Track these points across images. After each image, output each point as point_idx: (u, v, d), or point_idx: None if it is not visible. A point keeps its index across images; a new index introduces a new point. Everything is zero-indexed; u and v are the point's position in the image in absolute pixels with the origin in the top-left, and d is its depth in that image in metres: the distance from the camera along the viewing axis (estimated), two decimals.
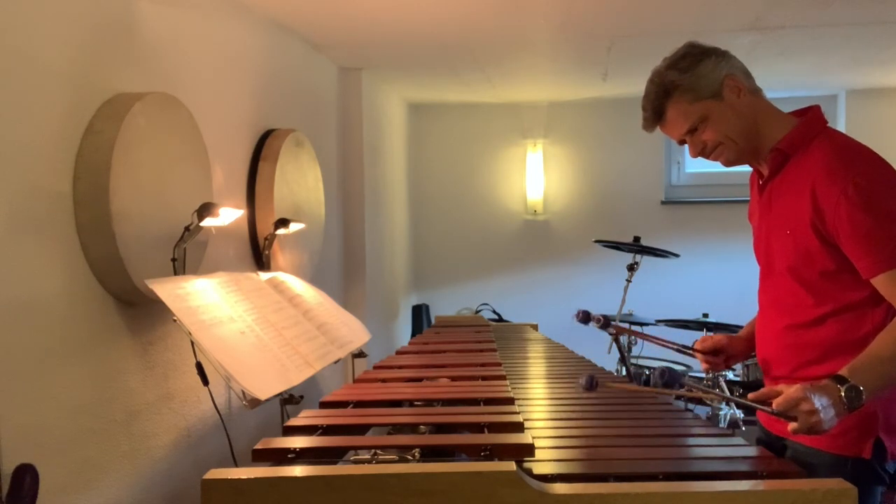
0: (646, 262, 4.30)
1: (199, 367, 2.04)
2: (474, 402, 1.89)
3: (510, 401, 1.88)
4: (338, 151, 4.04)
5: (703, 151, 1.73)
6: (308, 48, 3.57)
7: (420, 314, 5.52)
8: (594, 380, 1.81)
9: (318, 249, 3.38)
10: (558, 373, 2.56)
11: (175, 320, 1.82)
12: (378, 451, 1.41)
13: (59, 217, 1.79)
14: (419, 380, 2.22)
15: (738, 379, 3.98)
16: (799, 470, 1.42)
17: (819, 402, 1.39)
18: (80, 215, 1.84)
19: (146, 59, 2.16)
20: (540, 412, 1.90)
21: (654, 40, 3.54)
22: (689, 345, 1.96)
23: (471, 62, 4.08)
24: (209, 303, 1.95)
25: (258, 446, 1.48)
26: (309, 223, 3.16)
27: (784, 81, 4.79)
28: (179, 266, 2.07)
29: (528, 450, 1.44)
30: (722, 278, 5.10)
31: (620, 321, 4.21)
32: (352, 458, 1.42)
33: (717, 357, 1.91)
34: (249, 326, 2.01)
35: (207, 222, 2.08)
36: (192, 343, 1.95)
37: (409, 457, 1.41)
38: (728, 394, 3.73)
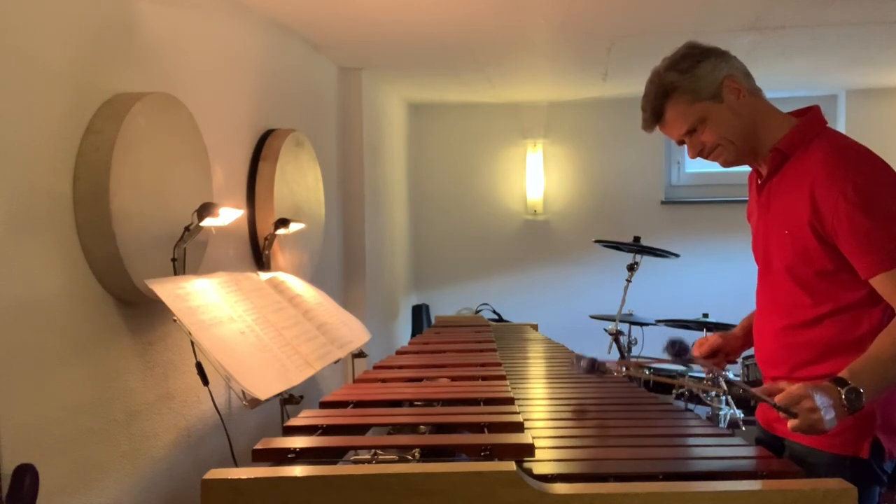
0: (646, 262, 4.29)
1: (199, 367, 2.04)
2: (474, 402, 1.89)
3: (510, 401, 1.88)
4: (338, 151, 4.04)
5: (701, 152, 1.73)
6: (308, 48, 3.57)
7: (420, 314, 5.52)
8: (596, 363, 1.80)
9: (318, 249, 3.38)
10: (558, 373, 2.56)
11: (175, 320, 1.82)
12: (378, 451, 1.41)
13: (59, 217, 1.79)
14: (419, 380, 2.22)
15: (738, 379, 3.98)
16: (798, 470, 1.42)
17: (820, 400, 1.39)
18: (80, 215, 1.84)
19: (146, 59, 2.16)
20: (540, 412, 1.90)
21: (654, 40, 3.54)
22: (688, 344, 1.97)
23: (471, 62, 4.08)
24: (209, 303, 1.95)
25: (258, 446, 1.48)
26: (309, 223, 3.16)
27: (784, 81, 4.79)
28: (179, 266, 2.07)
29: (528, 450, 1.44)
30: (722, 278, 5.10)
31: (620, 321, 4.21)
32: (352, 458, 1.42)
33: (716, 357, 1.92)
34: (249, 326, 2.01)
35: (207, 222, 2.08)
36: (192, 343, 1.95)
37: (409, 457, 1.41)
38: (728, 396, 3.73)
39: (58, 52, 1.79)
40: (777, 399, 1.43)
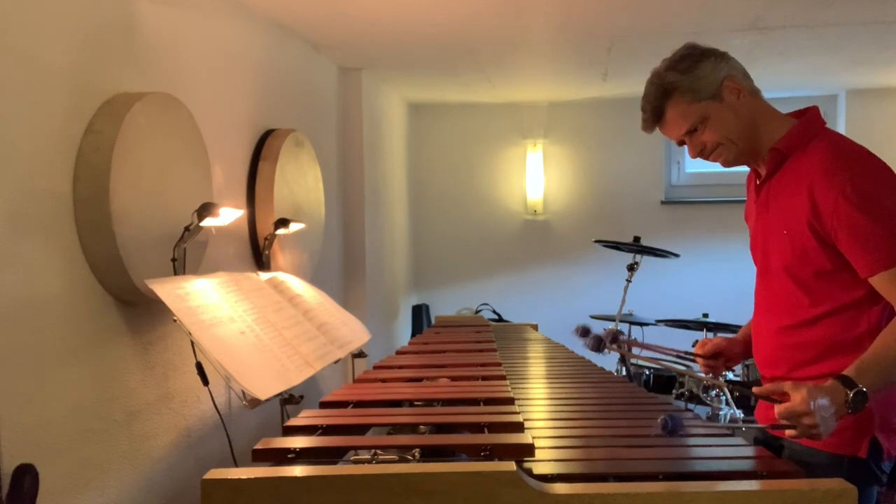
0: (646, 262, 4.29)
1: (199, 367, 2.04)
2: (474, 402, 1.89)
3: (510, 401, 1.88)
4: (338, 151, 4.04)
5: (702, 152, 1.73)
6: (308, 48, 3.57)
7: (420, 314, 5.52)
8: (601, 340, 1.78)
9: (318, 249, 3.38)
10: (558, 373, 2.56)
11: (175, 320, 1.82)
12: (378, 451, 1.41)
13: (59, 217, 1.79)
14: (419, 380, 2.22)
15: (738, 379, 3.98)
16: (798, 470, 1.42)
17: (821, 413, 1.39)
18: (80, 215, 1.84)
19: (146, 59, 2.16)
20: (540, 412, 1.90)
21: (654, 40, 3.54)
22: (688, 346, 1.98)
23: (471, 62, 4.08)
24: (209, 303, 1.95)
25: (258, 446, 1.48)
26: (309, 223, 3.16)
27: (784, 81, 4.79)
28: (179, 266, 2.08)
29: (528, 450, 1.44)
30: (722, 278, 5.10)
31: (620, 321, 4.21)
32: (352, 458, 1.42)
33: (717, 360, 1.93)
34: (249, 326, 2.01)
35: (207, 222, 2.08)
36: (192, 343, 1.95)
37: (409, 457, 1.41)
38: (729, 395, 3.73)
39: (58, 52, 1.80)
40: (777, 412, 1.43)
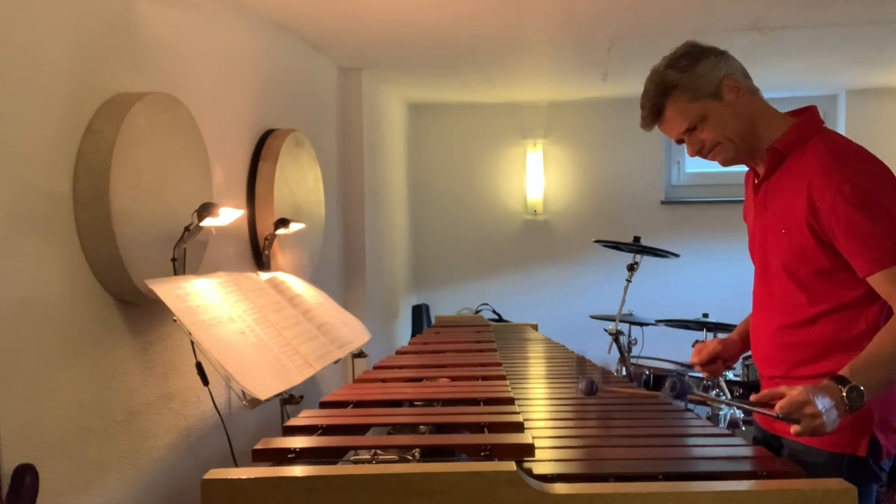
0: (646, 262, 4.30)
1: (199, 367, 2.04)
2: (474, 402, 1.89)
3: (510, 401, 1.88)
4: (338, 151, 4.04)
5: (700, 151, 1.74)
6: (308, 48, 3.57)
7: (420, 314, 5.52)
8: (594, 385, 1.81)
9: (318, 249, 3.38)
10: (558, 373, 2.56)
11: (175, 320, 1.82)
12: (378, 451, 1.41)
13: (59, 217, 1.79)
14: (419, 380, 2.22)
15: (737, 379, 3.99)
16: (799, 470, 1.42)
17: (822, 404, 1.39)
18: (80, 215, 1.84)
19: (146, 59, 2.16)
20: (540, 412, 1.90)
21: (654, 40, 3.54)
22: (688, 346, 1.98)
23: (471, 62, 4.08)
24: (209, 303, 1.95)
25: (258, 446, 1.48)
26: (309, 223, 3.16)
27: (784, 81, 4.79)
28: (179, 266, 2.07)
29: (528, 450, 1.44)
30: (722, 278, 5.10)
31: (620, 321, 4.21)
32: (352, 458, 1.42)
33: (715, 364, 1.93)
34: (249, 326, 2.01)
35: (207, 222, 2.08)
36: (192, 343, 1.95)
37: (409, 457, 1.41)
38: (728, 394, 3.74)
39: (58, 52, 1.79)
40: (778, 406, 1.43)
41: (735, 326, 2.01)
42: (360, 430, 1.68)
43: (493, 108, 5.55)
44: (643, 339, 4.54)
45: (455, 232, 5.71)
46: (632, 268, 4.17)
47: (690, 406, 3.87)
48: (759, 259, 1.78)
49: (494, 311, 5.50)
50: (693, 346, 2.03)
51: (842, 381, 1.43)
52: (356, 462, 1.39)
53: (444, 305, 5.68)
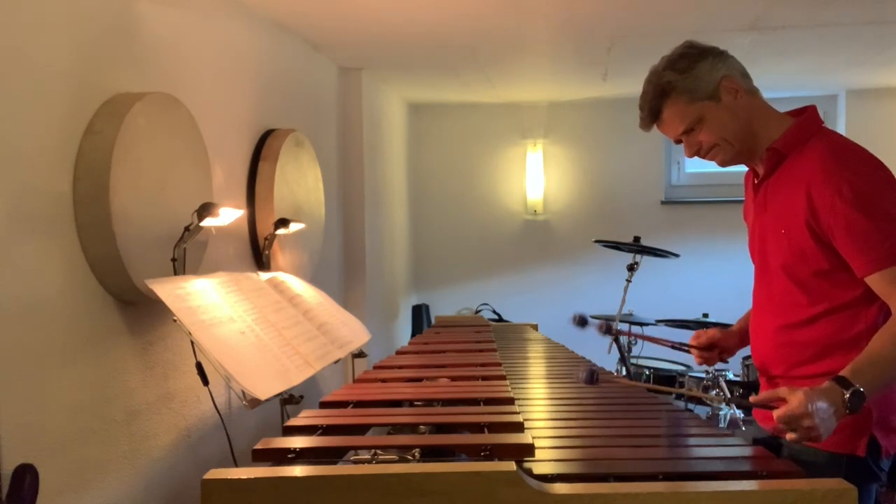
0: (646, 262, 4.29)
1: (199, 367, 2.04)
2: (474, 402, 1.89)
3: (510, 401, 1.88)
4: (338, 151, 4.04)
5: (698, 152, 1.74)
6: (308, 48, 3.57)
7: (420, 314, 5.52)
8: (595, 374, 1.81)
9: (318, 249, 3.38)
10: (558, 373, 2.56)
11: (175, 320, 1.82)
12: (378, 451, 1.41)
13: (59, 217, 1.79)
14: (419, 380, 2.22)
15: (738, 379, 3.99)
16: (799, 470, 1.42)
17: (820, 414, 1.38)
18: (80, 215, 1.84)
19: (146, 59, 2.16)
20: (540, 412, 1.90)
21: (654, 40, 3.54)
22: (687, 342, 1.99)
23: (471, 62, 4.08)
24: (209, 303, 1.95)
25: (258, 446, 1.48)
26: (309, 223, 3.16)
27: (784, 81, 4.79)
28: (179, 266, 2.08)
29: (528, 450, 1.44)
30: (722, 278, 5.10)
31: (620, 321, 4.21)
32: (352, 458, 1.42)
33: (712, 352, 1.93)
34: (249, 326, 2.01)
35: (207, 222, 2.08)
36: (192, 343, 1.95)
37: (409, 457, 1.41)
38: (728, 394, 3.73)
39: (58, 52, 1.79)
40: (776, 416, 1.43)
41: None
42: (360, 430, 1.68)
43: (493, 108, 5.55)
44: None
45: (455, 232, 5.71)
46: (632, 268, 4.17)
47: (690, 406, 3.87)
48: (758, 259, 1.78)
49: (494, 311, 5.50)
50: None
51: (844, 383, 1.43)
52: (356, 462, 1.39)
53: (444, 305, 5.68)
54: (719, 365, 2.26)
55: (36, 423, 1.69)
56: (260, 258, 2.84)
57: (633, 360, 4.39)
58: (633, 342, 4.41)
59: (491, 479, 1.22)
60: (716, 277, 5.18)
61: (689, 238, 5.30)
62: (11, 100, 1.64)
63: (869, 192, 1.54)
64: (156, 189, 2.05)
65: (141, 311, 2.07)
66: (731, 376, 3.94)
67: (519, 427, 1.62)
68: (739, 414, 3.56)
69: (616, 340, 4.18)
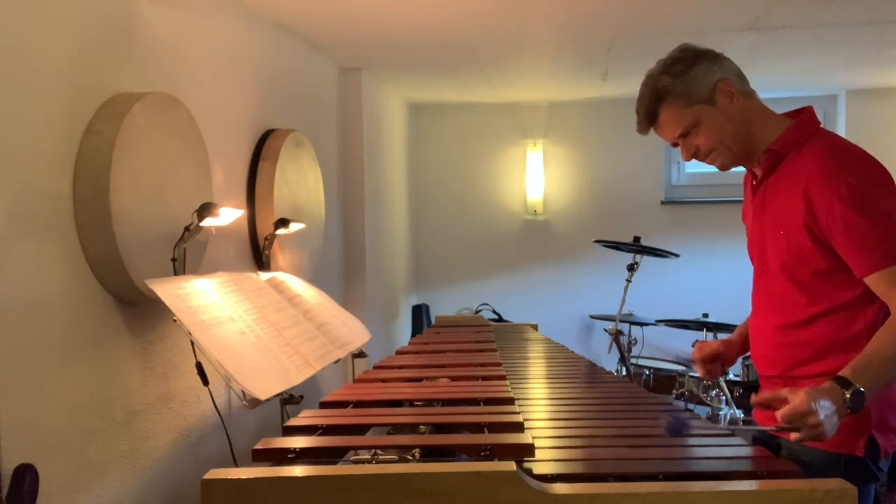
0: (646, 262, 4.30)
1: (199, 367, 2.04)
2: (474, 402, 1.89)
3: (510, 401, 1.88)
4: (338, 151, 4.04)
5: (696, 155, 1.74)
6: (308, 48, 3.57)
7: (420, 314, 5.52)
8: (684, 425, 1.55)
9: (318, 249, 3.38)
10: (558, 373, 2.56)
11: (175, 320, 1.82)
12: (378, 451, 1.41)
13: (59, 217, 1.79)
14: (419, 380, 2.22)
15: (737, 379, 3.99)
16: (798, 470, 1.42)
17: (823, 412, 1.39)
18: (80, 215, 1.84)
19: (146, 59, 2.16)
20: (540, 412, 1.90)
21: (654, 40, 3.54)
22: (688, 346, 1.99)
23: (471, 62, 4.08)
24: (209, 303, 1.95)
25: (258, 446, 1.48)
26: (309, 223, 3.16)
27: (784, 81, 4.79)
28: (179, 266, 2.08)
29: (528, 450, 1.44)
30: (722, 278, 5.10)
31: (620, 321, 4.22)
32: (352, 458, 1.42)
33: (715, 364, 1.93)
34: (249, 326, 2.01)
35: (207, 222, 2.08)
36: (192, 343, 1.95)
37: (409, 457, 1.41)
38: (728, 394, 3.74)
39: (58, 52, 1.80)
40: (779, 415, 1.43)
41: (735, 326, 2.02)
42: (360, 430, 1.68)
43: (493, 108, 5.55)
44: (643, 339, 4.55)
45: (455, 232, 5.71)
46: (632, 268, 4.17)
47: (690, 406, 3.87)
48: (757, 260, 1.78)
49: (494, 311, 5.50)
50: (693, 345, 2.03)
51: (844, 383, 1.43)
52: (356, 462, 1.39)
53: (444, 305, 5.68)
54: None
55: (36, 423, 1.69)
56: (260, 258, 2.84)
57: (633, 360, 4.40)
58: (634, 342, 4.42)
59: (491, 479, 1.22)
60: (716, 277, 5.18)
61: (688, 238, 5.30)
62: (11, 100, 1.64)
63: (866, 192, 1.54)
64: (156, 189, 2.05)
65: (141, 311, 2.07)
66: (731, 376, 3.95)
67: (519, 427, 1.62)
68: (739, 414, 3.56)
69: (616, 340, 4.18)
